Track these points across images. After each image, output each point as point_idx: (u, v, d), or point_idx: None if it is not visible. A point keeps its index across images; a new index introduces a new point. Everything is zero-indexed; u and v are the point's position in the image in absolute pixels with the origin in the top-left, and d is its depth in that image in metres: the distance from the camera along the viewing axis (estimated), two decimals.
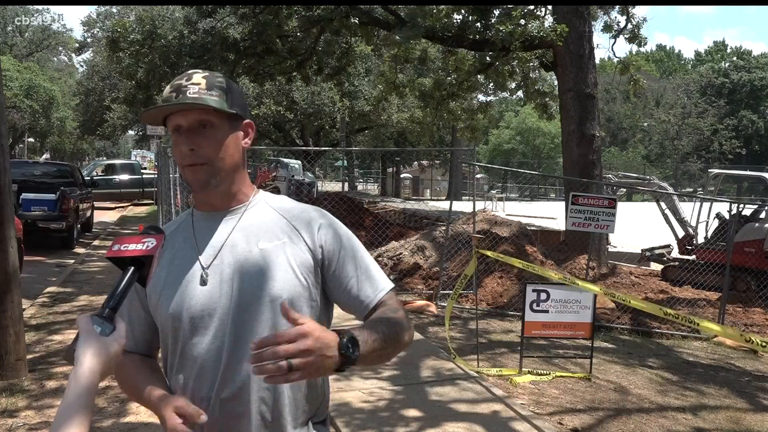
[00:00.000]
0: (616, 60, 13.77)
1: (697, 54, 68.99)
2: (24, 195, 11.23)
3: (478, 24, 11.53)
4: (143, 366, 1.47)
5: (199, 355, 1.37)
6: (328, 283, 1.43)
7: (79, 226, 13.23)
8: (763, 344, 2.60)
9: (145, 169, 25.07)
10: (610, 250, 11.86)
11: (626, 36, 12.30)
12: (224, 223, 1.44)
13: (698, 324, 2.94)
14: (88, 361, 1.06)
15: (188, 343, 1.38)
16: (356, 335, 1.23)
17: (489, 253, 6.07)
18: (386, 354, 1.35)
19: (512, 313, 7.39)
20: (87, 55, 40.84)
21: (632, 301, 3.51)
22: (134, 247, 1.21)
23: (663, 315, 3.19)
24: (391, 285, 1.47)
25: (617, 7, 12.52)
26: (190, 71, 1.41)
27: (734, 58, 58.06)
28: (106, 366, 1.09)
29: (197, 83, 1.37)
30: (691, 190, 30.77)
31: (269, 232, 1.42)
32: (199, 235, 1.45)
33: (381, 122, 28.65)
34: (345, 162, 36.38)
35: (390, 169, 42.11)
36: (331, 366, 1.17)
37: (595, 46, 10.92)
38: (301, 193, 17.79)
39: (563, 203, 11.53)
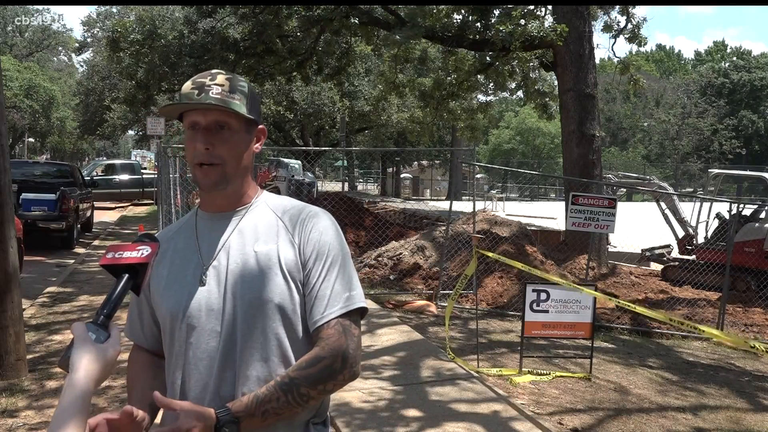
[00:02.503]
0: (616, 60, 13.78)
1: (697, 54, 69.03)
2: (24, 195, 11.22)
3: (478, 24, 11.53)
4: (148, 367, 1.49)
5: (194, 355, 1.38)
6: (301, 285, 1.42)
7: (79, 226, 13.22)
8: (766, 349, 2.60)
9: (145, 169, 25.06)
10: (610, 250, 11.86)
11: (626, 36, 12.29)
12: (226, 224, 1.45)
13: (703, 331, 2.93)
14: (83, 367, 1.06)
15: (184, 343, 1.39)
16: (240, 417, 1.28)
17: (489, 253, 6.07)
18: (294, 412, 1.35)
19: (512, 313, 7.39)
20: (87, 55, 40.93)
21: (639, 309, 3.50)
22: (129, 255, 1.21)
23: (670, 322, 3.18)
24: (347, 308, 1.38)
25: (617, 7, 12.51)
26: (214, 71, 1.43)
27: (734, 58, 58.05)
28: (102, 372, 1.09)
29: (221, 84, 1.38)
30: (691, 190, 30.76)
31: (265, 234, 1.42)
32: (201, 235, 1.46)
33: (381, 122, 28.63)
34: (345, 162, 36.37)
35: (390, 169, 42.09)
36: None
37: (595, 46, 10.94)
38: (301, 193, 17.78)
39: (563, 203, 11.53)
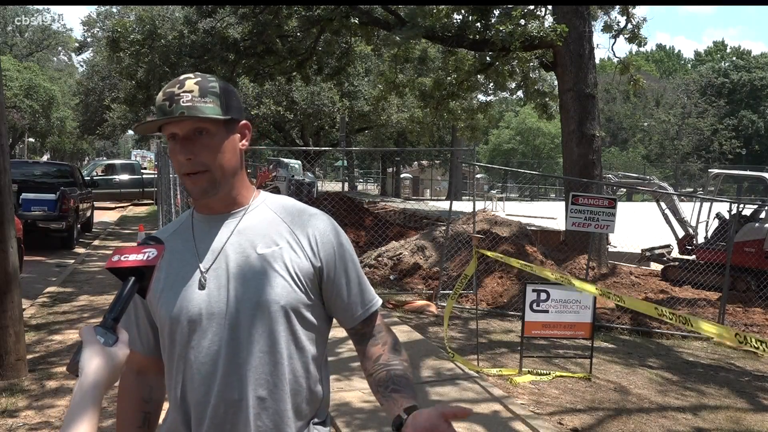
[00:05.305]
0: (616, 60, 13.78)
1: (697, 54, 68.95)
2: (24, 195, 11.22)
3: (478, 24, 11.53)
4: (133, 394, 1.51)
5: (197, 359, 1.36)
6: (323, 290, 1.43)
7: (79, 226, 13.22)
8: (758, 344, 2.59)
9: (145, 169, 25.07)
10: (610, 250, 11.86)
11: (626, 36, 12.29)
12: (224, 226, 1.42)
13: (692, 324, 2.93)
14: (93, 371, 1.07)
15: (186, 347, 1.37)
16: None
17: (489, 253, 6.07)
18: None
19: (512, 313, 7.39)
20: (87, 55, 40.93)
21: (626, 300, 3.50)
22: (135, 258, 1.19)
23: (657, 315, 3.18)
24: (380, 300, 1.52)
25: (617, 7, 12.51)
26: (182, 77, 1.39)
27: (734, 58, 58.02)
28: (111, 375, 1.10)
29: (190, 90, 1.34)
30: (691, 190, 30.75)
31: (268, 237, 1.40)
32: (199, 238, 1.43)
33: (381, 122, 28.62)
34: (345, 162, 36.37)
35: (390, 169, 42.07)
36: None
37: (595, 46, 10.93)
38: (301, 193, 17.79)
39: (563, 203, 11.53)
